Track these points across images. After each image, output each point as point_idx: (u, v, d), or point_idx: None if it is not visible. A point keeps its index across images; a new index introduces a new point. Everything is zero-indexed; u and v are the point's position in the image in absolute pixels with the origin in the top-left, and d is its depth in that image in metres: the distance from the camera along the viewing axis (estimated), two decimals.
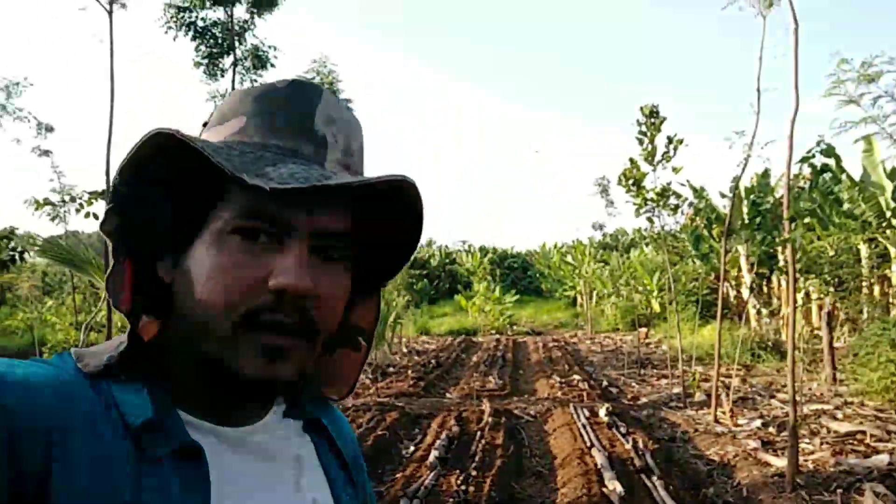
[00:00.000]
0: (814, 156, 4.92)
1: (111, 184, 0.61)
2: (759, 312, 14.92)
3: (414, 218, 0.66)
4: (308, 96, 0.65)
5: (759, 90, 6.53)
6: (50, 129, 10.00)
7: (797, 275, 13.34)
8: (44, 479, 0.50)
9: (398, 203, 0.65)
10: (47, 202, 5.94)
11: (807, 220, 9.75)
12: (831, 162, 7.11)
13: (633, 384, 10.70)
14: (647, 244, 25.03)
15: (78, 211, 6.28)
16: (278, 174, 0.56)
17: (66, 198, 6.08)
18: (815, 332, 12.29)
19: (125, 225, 0.62)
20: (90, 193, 5.83)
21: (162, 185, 0.63)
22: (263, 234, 0.60)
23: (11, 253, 13.75)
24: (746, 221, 13.66)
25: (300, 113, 0.64)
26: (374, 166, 0.70)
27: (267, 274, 0.59)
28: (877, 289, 13.86)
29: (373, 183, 0.59)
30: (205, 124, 0.68)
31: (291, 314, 0.59)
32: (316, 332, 0.62)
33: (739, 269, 16.07)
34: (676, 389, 9.55)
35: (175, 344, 0.64)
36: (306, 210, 0.60)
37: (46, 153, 8.64)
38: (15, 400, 0.51)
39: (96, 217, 5.81)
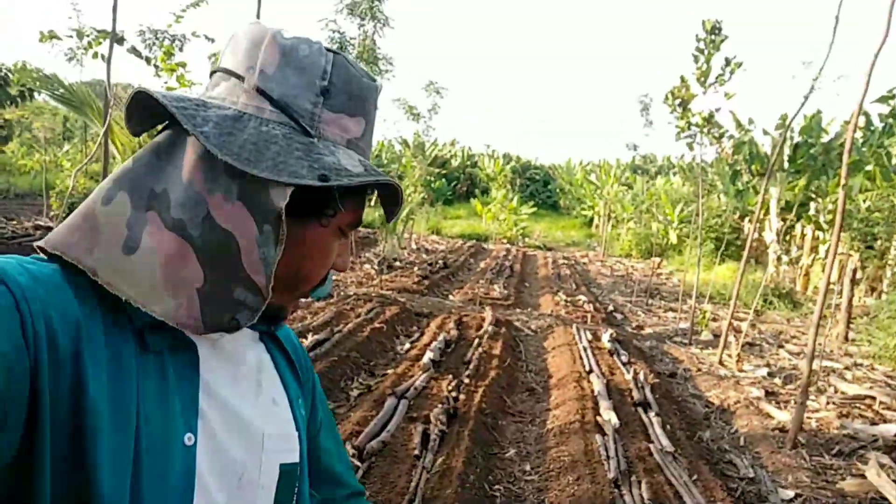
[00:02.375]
0: (894, 96, 4.39)
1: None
2: (779, 259, 14.52)
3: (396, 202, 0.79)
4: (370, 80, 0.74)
5: (837, 17, 5.83)
6: None
7: (824, 226, 12.89)
8: (76, 366, 0.56)
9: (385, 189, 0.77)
10: (53, 35, 5.49)
11: (868, 167, 9.13)
12: None
13: (640, 313, 10.50)
14: (674, 173, 24.25)
15: (87, 50, 5.89)
16: (357, 169, 0.68)
17: (74, 34, 5.63)
18: (832, 287, 11.93)
19: None
20: (98, 32, 5.38)
21: None
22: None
23: (21, 88, 13.37)
24: (786, 164, 13.01)
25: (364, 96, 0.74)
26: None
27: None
28: None
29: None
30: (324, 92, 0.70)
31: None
32: None
33: (766, 212, 15.52)
34: (683, 325, 9.34)
35: None
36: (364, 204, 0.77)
37: None
38: (45, 292, 0.56)
39: (104, 58, 5.46)
